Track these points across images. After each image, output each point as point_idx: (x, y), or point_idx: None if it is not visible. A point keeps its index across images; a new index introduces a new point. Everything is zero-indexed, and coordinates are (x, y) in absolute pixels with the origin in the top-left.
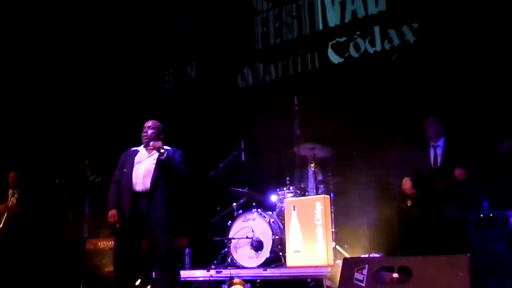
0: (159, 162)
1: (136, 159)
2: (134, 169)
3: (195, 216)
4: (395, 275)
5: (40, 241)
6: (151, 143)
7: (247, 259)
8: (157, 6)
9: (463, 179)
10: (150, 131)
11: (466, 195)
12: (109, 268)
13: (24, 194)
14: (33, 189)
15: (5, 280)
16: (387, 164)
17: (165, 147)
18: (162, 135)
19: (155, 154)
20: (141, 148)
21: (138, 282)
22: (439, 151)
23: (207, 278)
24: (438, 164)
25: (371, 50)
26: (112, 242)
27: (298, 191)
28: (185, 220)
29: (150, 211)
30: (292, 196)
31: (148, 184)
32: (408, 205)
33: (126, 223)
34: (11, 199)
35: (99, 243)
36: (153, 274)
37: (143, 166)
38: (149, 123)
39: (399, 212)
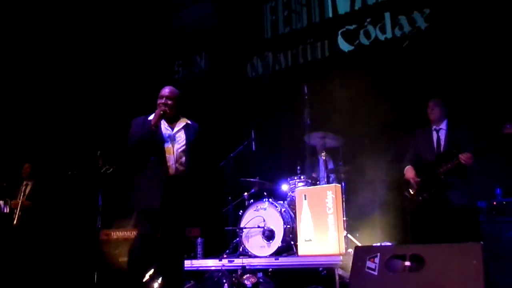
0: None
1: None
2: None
3: (207, 206)
4: (407, 263)
5: (53, 233)
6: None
7: (259, 248)
8: None
9: (469, 163)
10: (170, 102)
11: (472, 181)
12: (123, 258)
13: (36, 187)
14: (46, 181)
15: (20, 272)
16: (398, 152)
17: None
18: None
19: (181, 132)
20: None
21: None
22: (442, 135)
23: (220, 267)
24: (442, 148)
25: (381, 37)
26: (125, 232)
27: (309, 180)
28: (197, 210)
29: (180, 196)
30: (303, 185)
31: (183, 166)
32: (412, 193)
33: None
34: (21, 194)
35: (112, 234)
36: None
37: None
38: (166, 92)
39: (405, 200)
